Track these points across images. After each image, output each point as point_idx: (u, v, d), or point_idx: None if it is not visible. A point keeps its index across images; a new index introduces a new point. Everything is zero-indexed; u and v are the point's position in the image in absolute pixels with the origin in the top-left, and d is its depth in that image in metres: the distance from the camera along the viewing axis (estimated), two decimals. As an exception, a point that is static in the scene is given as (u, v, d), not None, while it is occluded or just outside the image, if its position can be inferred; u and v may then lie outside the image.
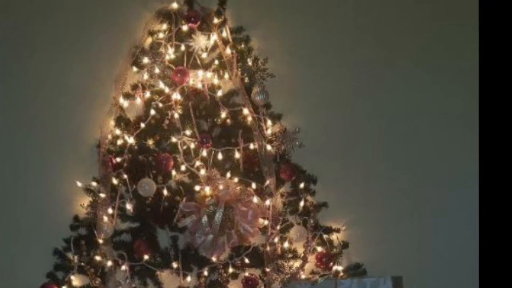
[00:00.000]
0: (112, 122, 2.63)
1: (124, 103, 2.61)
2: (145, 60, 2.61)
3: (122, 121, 2.64)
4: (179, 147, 2.58)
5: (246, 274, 2.54)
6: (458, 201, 2.63)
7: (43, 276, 2.57)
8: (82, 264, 2.52)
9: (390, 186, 2.65)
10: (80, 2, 2.78)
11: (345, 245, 2.59)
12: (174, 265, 2.57)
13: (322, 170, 2.63)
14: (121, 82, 2.66)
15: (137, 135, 2.61)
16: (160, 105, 2.61)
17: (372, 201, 2.65)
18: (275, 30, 2.73)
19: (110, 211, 2.56)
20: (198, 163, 2.58)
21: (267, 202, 2.54)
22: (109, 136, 2.63)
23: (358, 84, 2.72)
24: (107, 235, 2.55)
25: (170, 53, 2.63)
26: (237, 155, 2.59)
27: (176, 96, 2.60)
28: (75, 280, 2.56)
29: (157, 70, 2.59)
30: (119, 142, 2.62)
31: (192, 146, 2.59)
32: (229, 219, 2.52)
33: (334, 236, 2.59)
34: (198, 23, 2.64)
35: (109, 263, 2.54)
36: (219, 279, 2.53)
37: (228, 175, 2.58)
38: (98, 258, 2.54)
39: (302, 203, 2.57)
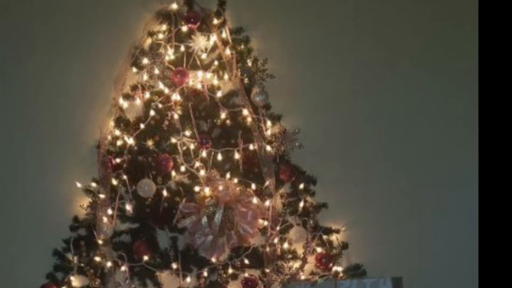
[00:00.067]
0: (111, 123, 2.63)
1: (124, 103, 2.61)
2: (145, 60, 2.60)
3: (122, 122, 2.64)
4: (179, 147, 2.58)
5: (246, 275, 2.54)
6: (458, 202, 2.64)
7: (42, 277, 2.57)
8: (82, 265, 2.52)
9: (390, 186, 2.65)
10: (80, 2, 2.78)
11: (344, 245, 2.59)
12: (174, 266, 2.57)
13: (322, 170, 2.63)
14: (120, 83, 2.65)
15: (137, 135, 2.61)
16: (160, 105, 2.61)
17: (372, 202, 2.65)
18: (274, 30, 2.73)
19: (109, 211, 2.56)
20: (197, 164, 2.58)
21: (267, 203, 2.54)
22: (109, 137, 2.62)
23: (358, 85, 2.72)
24: (106, 236, 2.55)
25: (169, 54, 2.63)
26: (237, 156, 2.59)
27: (176, 96, 2.60)
28: (75, 281, 2.55)
29: (156, 71, 2.59)
30: (119, 142, 2.62)
31: (192, 147, 2.59)
32: (229, 220, 2.52)
33: (333, 237, 2.59)
34: (198, 23, 2.64)
35: (109, 264, 2.54)
36: (219, 280, 2.53)
37: (228, 176, 2.58)
38: (97, 259, 2.54)
39: (301, 204, 2.57)
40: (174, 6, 2.68)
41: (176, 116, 2.59)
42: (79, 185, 2.60)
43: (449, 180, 2.66)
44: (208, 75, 2.63)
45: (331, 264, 2.53)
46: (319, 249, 2.56)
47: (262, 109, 2.62)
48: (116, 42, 2.72)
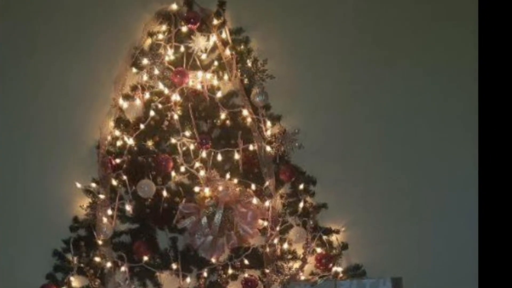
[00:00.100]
0: (111, 123, 2.63)
1: (124, 104, 2.61)
2: (145, 61, 2.60)
3: (122, 122, 2.64)
4: (179, 148, 2.58)
5: (246, 275, 2.54)
6: (457, 202, 2.64)
7: (42, 277, 2.57)
8: (82, 265, 2.52)
9: (390, 187, 2.65)
10: (80, 2, 2.78)
11: (344, 246, 2.59)
12: (174, 266, 2.56)
13: (322, 171, 2.62)
14: (120, 83, 2.65)
15: (137, 136, 2.61)
16: (160, 106, 2.61)
17: (371, 202, 2.65)
18: (274, 31, 2.73)
19: (109, 212, 2.56)
20: (197, 164, 2.58)
21: (267, 203, 2.54)
22: (109, 137, 2.62)
23: (358, 85, 2.72)
24: (106, 236, 2.55)
25: (169, 54, 2.63)
26: (237, 156, 2.59)
27: (176, 97, 2.60)
28: (75, 281, 2.55)
29: (156, 71, 2.59)
30: (119, 143, 2.62)
31: (192, 147, 2.59)
32: (229, 220, 2.52)
33: (333, 237, 2.59)
34: (198, 24, 2.64)
35: (109, 264, 2.54)
36: (219, 280, 2.53)
37: (228, 176, 2.58)
38: (97, 259, 2.54)
39: (301, 204, 2.57)
40: (174, 6, 2.68)
41: (176, 117, 2.59)
42: (79, 185, 2.60)
43: (449, 180, 2.66)
44: (208, 75, 2.63)
45: (331, 265, 2.53)
46: (319, 250, 2.56)
47: (262, 109, 2.62)
48: (116, 42, 2.72)
